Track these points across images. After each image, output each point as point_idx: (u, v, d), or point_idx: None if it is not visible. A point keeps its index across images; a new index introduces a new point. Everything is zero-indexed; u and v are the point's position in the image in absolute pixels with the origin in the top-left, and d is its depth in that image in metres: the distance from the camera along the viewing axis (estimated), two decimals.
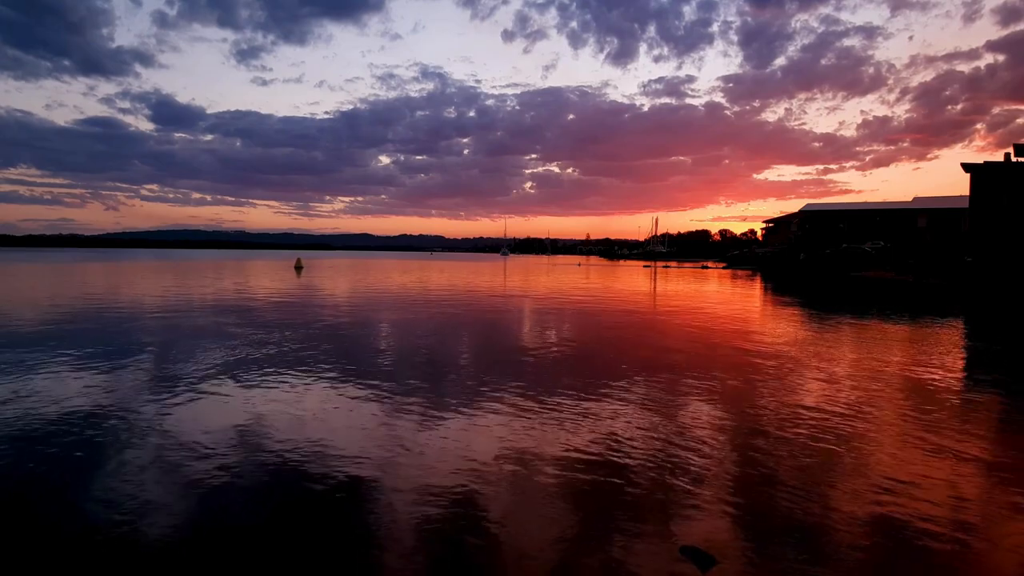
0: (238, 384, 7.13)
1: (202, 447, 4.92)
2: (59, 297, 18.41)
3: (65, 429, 5.34)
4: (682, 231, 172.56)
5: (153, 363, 8.40)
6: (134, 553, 3.27)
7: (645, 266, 68.01)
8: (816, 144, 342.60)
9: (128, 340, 10.31)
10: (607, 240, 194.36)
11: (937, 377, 8.07)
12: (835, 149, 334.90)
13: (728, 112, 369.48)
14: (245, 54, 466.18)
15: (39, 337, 10.42)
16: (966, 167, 38.94)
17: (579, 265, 69.31)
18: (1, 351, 9.06)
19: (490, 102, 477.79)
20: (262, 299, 18.97)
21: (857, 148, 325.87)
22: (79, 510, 3.78)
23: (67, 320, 12.87)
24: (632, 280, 35.73)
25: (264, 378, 7.47)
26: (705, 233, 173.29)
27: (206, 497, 3.99)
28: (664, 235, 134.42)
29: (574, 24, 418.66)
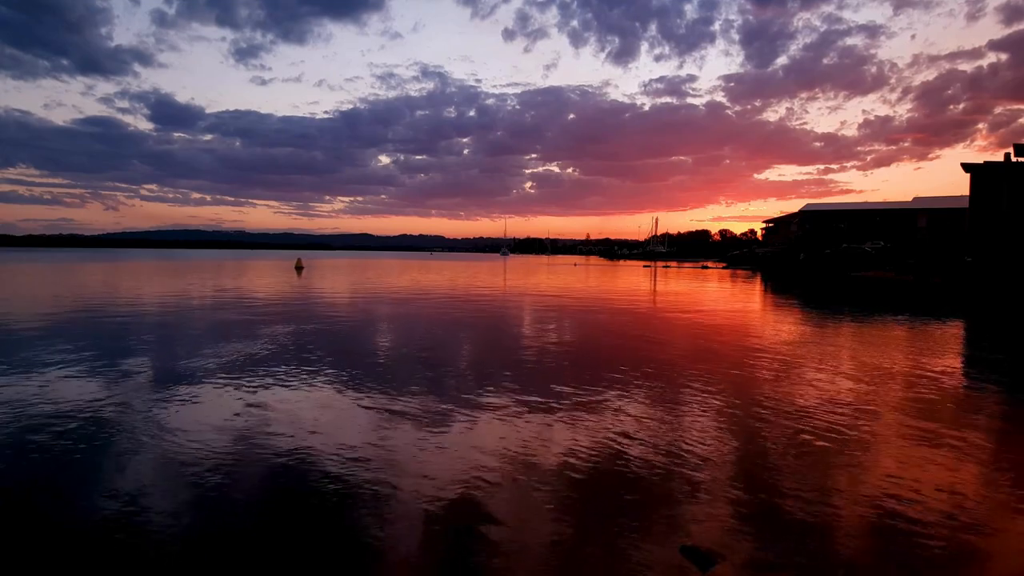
0: (236, 383, 7.12)
1: (202, 446, 4.91)
2: (62, 296, 18.40)
3: (65, 427, 5.33)
4: (682, 231, 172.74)
5: (152, 362, 8.38)
6: (134, 552, 3.26)
7: (645, 266, 68.00)
8: (817, 144, 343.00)
9: (125, 340, 10.31)
10: (607, 240, 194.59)
11: (938, 376, 8.06)
12: (836, 149, 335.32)
13: (729, 112, 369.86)
14: (244, 53, 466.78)
15: (39, 336, 10.41)
16: (966, 167, 38.94)
17: (576, 265, 69.34)
18: (4, 350, 9.06)
19: (490, 101, 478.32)
20: (262, 299, 18.97)
21: (858, 148, 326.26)
22: (78, 509, 3.78)
23: (69, 319, 12.86)
24: (632, 280, 35.71)
25: (264, 378, 7.46)
26: (705, 233, 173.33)
27: (206, 496, 3.98)
28: (664, 235, 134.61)
29: (575, 23, 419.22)
